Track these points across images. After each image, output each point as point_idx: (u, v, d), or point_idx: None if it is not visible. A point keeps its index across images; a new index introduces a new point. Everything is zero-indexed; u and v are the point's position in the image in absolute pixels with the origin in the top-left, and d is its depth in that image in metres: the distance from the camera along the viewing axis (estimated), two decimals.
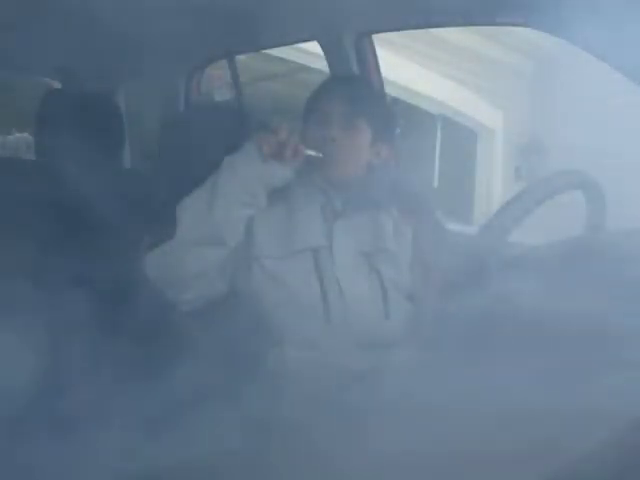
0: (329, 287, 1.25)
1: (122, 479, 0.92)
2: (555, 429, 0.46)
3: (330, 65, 1.75)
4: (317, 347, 1.23)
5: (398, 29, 1.70)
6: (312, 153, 1.28)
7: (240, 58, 2.21)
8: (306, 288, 1.24)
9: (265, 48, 2.20)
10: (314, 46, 1.77)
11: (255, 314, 1.27)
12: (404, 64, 5.28)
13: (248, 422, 1.13)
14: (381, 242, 1.30)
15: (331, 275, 1.25)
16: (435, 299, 1.23)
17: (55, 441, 1.07)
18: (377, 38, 1.76)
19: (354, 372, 1.22)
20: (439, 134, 6.54)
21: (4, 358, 1.23)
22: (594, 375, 0.59)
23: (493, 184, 6.66)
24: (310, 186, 1.31)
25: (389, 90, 1.90)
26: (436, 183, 6.52)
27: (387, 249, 1.29)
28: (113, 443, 1.05)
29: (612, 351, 0.63)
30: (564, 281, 0.75)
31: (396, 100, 5.20)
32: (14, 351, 1.26)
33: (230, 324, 1.30)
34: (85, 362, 1.35)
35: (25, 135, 3.66)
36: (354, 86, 1.43)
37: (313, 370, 1.22)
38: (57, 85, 2.33)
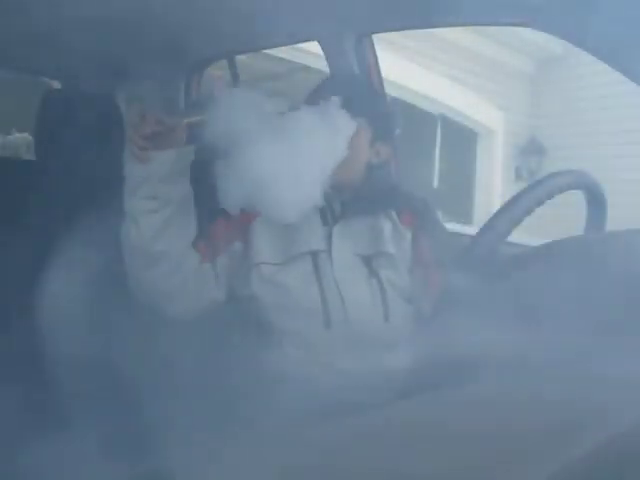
0: (328, 290, 1.24)
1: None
2: (554, 428, 0.46)
3: (330, 65, 1.75)
4: (317, 350, 1.23)
5: (398, 29, 1.69)
6: (194, 119, 1.13)
7: (240, 58, 2.21)
8: (305, 292, 1.24)
9: (265, 48, 2.20)
10: (314, 46, 1.77)
11: (255, 317, 1.26)
12: (404, 64, 5.29)
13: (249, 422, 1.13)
14: (380, 245, 1.29)
15: (330, 278, 1.25)
16: (435, 301, 1.22)
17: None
18: (377, 38, 1.76)
19: (354, 374, 1.22)
20: (439, 134, 6.55)
21: None
22: (593, 372, 0.59)
23: (493, 184, 6.66)
24: None
25: (389, 90, 1.90)
26: (436, 183, 6.53)
27: (386, 252, 1.29)
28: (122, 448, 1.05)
29: (607, 350, 0.63)
30: (564, 281, 0.75)
31: (396, 100, 5.20)
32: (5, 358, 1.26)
33: (230, 327, 1.30)
34: (85, 365, 1.35)
35: (25, 135, 3.66)
36: (352, 85, 1.42)
37: (313, 371, 1.22)
38: (57, 85, 2.33)
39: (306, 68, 4.24)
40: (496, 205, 1.07)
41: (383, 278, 1.27)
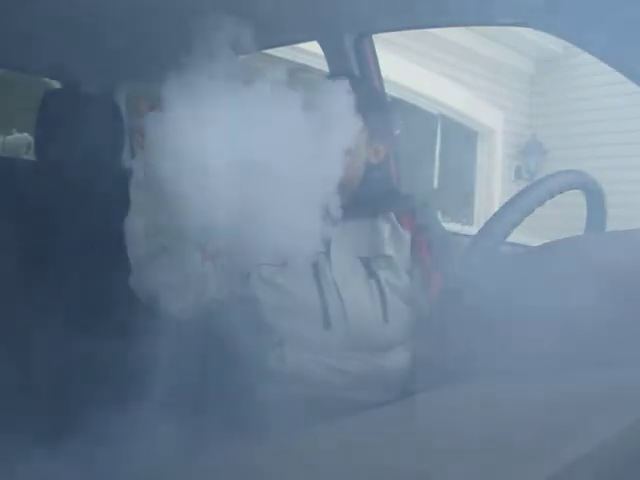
0: (328, 292, 1.25)
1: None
2: (554, 427, 0.46)
3: (330, 65, 1.75)
4: (317, 351, 1.23)
5: (398, 29, 1.70)
6: None
7: (240, 58, 2.21)
8: (305, 294, 1.24)
9: (265, 48, 2.20)
10: (314, 46, 1.77)
11: (255, 317, 1.26)
12: (404, 64, 5.29)
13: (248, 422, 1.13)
14: (379, 247, 1.30)
15: (329, 280, 1.25)
16: (435, 302, 1.22)
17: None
18: (377, 38, 1.76)
19: (354, 374, 1.22)
20: (439, 134, 6.55)
21: None
22: (590, 374, 0.59)
23: (493, 184, 6.66)
24: None
25: (389, 90, 1.90)
26: (436, 183, 6.53)
27: (385, 254, 1.29)
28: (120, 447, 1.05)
29: (606, 350, 0.63)
30: (563, 281, 0.75)
31: (396, 100, 5.19)
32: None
33: (230, 326, 1.30)
34: (83, 363, 1.35)
35: (25, 135, 3.65)
36: (351, 85, 1.42)
37: (313, 372, 1.23)
38: (57, 85, 2.33)
39: (306, 68, 4.24)
40: (496, 205, 1.07)
41: (382, 280, 1.27)
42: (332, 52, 1.72)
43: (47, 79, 2.50)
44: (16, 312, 1.38)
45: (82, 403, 1.20)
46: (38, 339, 1.34)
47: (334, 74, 1.60)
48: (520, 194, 1.02)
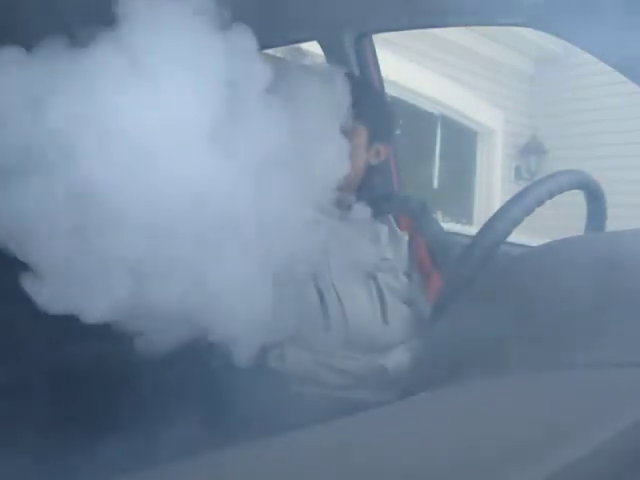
0: (327, 295, 1.25)
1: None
2: (554, 427, 0.46)
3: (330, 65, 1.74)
4: (317, 352, 1.24)
5: (398, 29, 1.69)
6: None
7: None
8: (305, 296, 1.24)
9: (265, 48, 2.20)
10: (314, 46, 1.77)
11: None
12: (404, 64, 5.29)
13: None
14: (377, 250, 1.30)
15: (329, 283, 1.26)
16: (433, 302, 1.23)
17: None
18: (377, 38, 1.76)
19: (354, 375, 1.22)
20: (439, 134, 6.55)
21: None
22: (592, 374, 0.59)
23: (493, 184, 6.66)
24: None
25: (389, 90, 1.90)
26: (436, 183, 6.53)
27: (383, 257, 1.29)
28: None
29: (609, 352, 0.63)
30: (563, 281, 0.75)
31: (396, 100, 5.18)
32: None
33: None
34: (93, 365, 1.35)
35: None
36: (351, 85, 1.42)
37: (313, 372, 1.23)
38: None
39: None
40: (496, 205, 1.07)
41: (381, 282, 1.27)
42: (332, 52, 1.72)
43: None
44: (15, 312, 1.38)
45: (80, 403, 1.20)
46: (36, 337, 1.34)
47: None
48: (520, 194, 1.02)
